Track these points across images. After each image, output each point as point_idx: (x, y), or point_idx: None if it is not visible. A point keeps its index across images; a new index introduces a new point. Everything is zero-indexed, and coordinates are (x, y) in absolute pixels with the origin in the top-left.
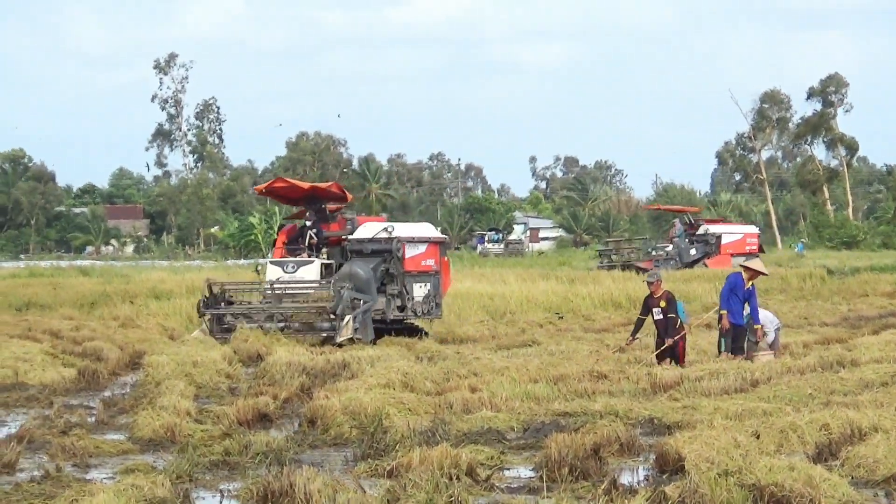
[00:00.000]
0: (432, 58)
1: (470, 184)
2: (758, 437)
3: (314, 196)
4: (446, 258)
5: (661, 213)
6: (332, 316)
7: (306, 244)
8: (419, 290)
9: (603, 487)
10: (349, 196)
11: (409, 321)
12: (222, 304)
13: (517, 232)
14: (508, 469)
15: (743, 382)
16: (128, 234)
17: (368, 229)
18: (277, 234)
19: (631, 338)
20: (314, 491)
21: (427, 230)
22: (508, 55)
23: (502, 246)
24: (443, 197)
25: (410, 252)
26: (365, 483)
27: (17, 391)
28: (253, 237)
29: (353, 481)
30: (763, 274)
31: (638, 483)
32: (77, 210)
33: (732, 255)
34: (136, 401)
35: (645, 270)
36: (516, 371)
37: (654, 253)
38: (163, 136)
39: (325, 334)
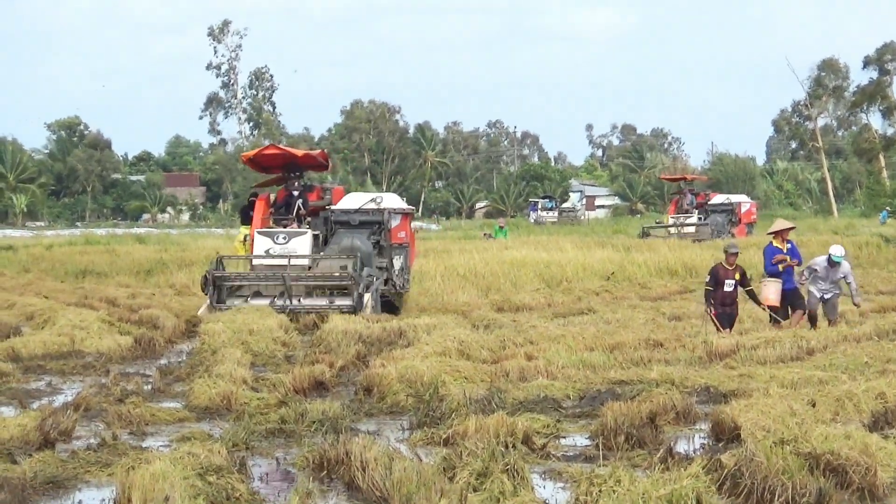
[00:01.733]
0: (487, 25)
1: (526, 151)
2: (813, 406)
3: (295, 164)
4: (413, 230)
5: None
6: (357, 294)
7: (294, 214)
8: (397, 263)
9: (659, 455)
10: (331, 165)
11: (388, 296)
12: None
13: (573, 200)
14: (564, 437)
15: (798, 351)
16: (184, 201)
17: (354, 199)
18: (251, 203)
19: (712, 309)
20: (370, 459)
21: (397, 201)
22: (564, 22)
23: (556, 214)
24: (499, 165)
25: (393, 224)
26: (421, 451)
27: (73, 359)
28: None
29: (410, 449)
30: (791, 228)
31: (694, 451)
32: (133, 178)
33: (747, 224)
34: (192, 369)
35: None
36: (572, 339)
37: (679, 226)
38: (216, 103)
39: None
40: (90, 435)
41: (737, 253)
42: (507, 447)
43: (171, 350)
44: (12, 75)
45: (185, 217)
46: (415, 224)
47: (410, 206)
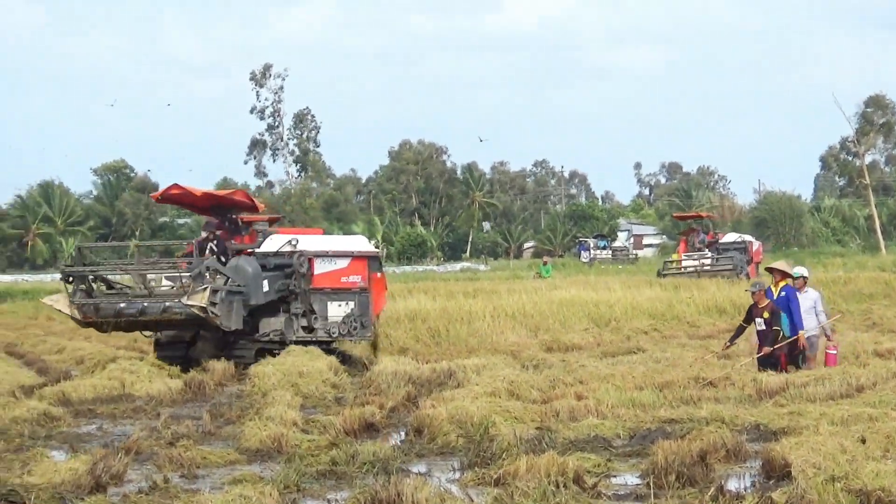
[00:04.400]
0: (528, 63)
1: (574, 191)
2: (864, 443)
3: (220, 205)
4: (379, 274)
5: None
6: (187, 281)
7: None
8: (337, 309)
9: (710, 494)
10: (259, 205)
11: (330, 343)
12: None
13: (621, 239)
14: (615, 476)
15: (848, 388)
16: None
17: (274, 242)
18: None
19: (728, 343)
20: (422, 500)
21: (353, 243)
22: (606, 60)
23: (609, 253)
24: (546, 204)
25: (323, 268)
26: (472, 492)
27: (124, 402)
28: None
29: (461, 490)
30: (788, 274)
31: (745, 489)
32: (181, 220)
33: (757, 263)
34: (243, 411)
35: None
36: (622, 378)
37: (699, 263)
38: (261, 146)
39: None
40: (141, 478)
41: (755, 292)
42: (557, 486)
43: (221, 393)
44: (58, 120)
45: None
46: (463, 265)
47: (373, 250)
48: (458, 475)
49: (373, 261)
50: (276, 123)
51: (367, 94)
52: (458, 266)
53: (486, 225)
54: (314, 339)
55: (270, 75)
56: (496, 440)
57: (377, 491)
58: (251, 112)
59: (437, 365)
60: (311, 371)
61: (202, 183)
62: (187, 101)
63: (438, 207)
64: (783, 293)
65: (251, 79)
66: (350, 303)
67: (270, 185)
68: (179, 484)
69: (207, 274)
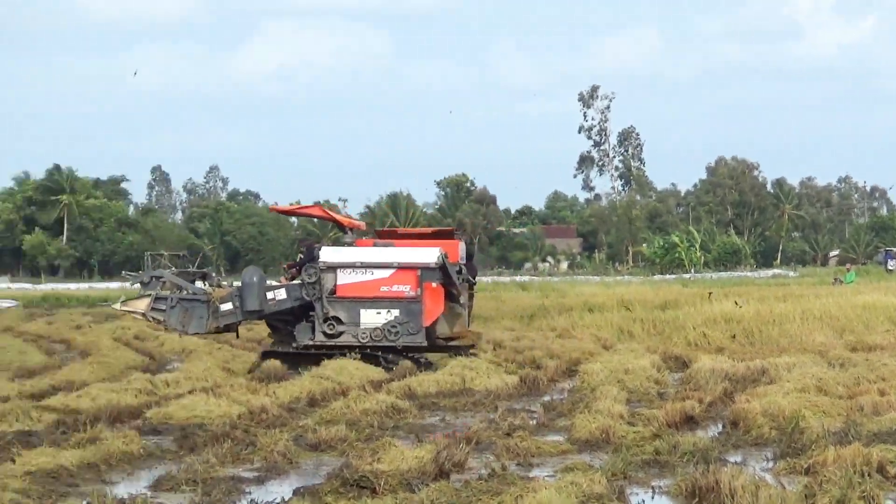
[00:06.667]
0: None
1: (875, 204)
2: None
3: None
4: (434, 284)
5: None
6: (138, 285)
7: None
8: (374, 317)
9: None
10: (341, 218)
11: (370, 348)
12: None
13: None
14: None
15: None
16: (562, 251)
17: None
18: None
19: None
20: (738, 487)
21: (403, 255)
22: None
23: None
24: (850, 216)
25: (351, 278)
26: (784, 480)
27: (464, 396)
28: (677, 255)
29: (774, 478)
30: None
31: None
32: (516, 230)
33: None
34: (573, 405)
35: None
36: None
37: None
38: (589, 161)
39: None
40: (481, 466)
41: None
42: (863, 476)
43: (554, 388)
44: (406, 136)
45: (564, 266)
46: (774, 271)
47: (428, 262)
48: (770, 465)
49: (429, 272)
50: (602, 141)
51: (685, 114)
52: (769, 272)
53: (795, 234)
54: (337, 344)
55: (597, 96)
56: (806, 432)
57: (697, 479)
58: (579, 131)
59: (751, 363)
60: (636, 368)
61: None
62: (520, 121)
63: (751, 218)
64: None
65: (579, 100)
66: (393, 311)
67: (598, 197)
68: (516, 471)
69: (157, 282)
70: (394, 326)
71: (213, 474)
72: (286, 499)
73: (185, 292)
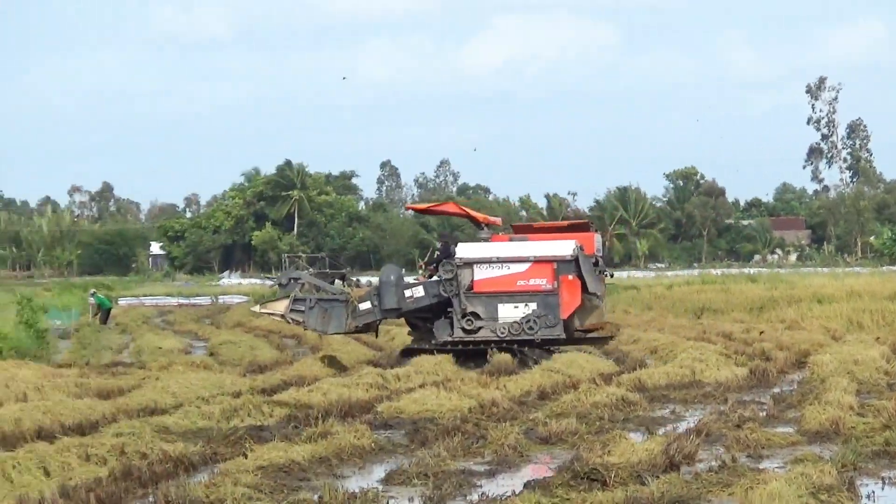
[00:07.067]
0: None
1: None
2: None
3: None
4: (571, 276)
5: None
6: (277, 286)
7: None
8: (512, 311)
9: None
10: (473, 214)
11: (510, 343)
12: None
13: None
14: None
15: None
16: (791, 243)
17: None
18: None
19: None
20: None
21: (539, 248)
22: None
23: None
24: None
25: (488, 273)
26: None
27: (694, 389)
28: None
29: None
30: None
31: None
32: (744, 222)
33: None
34: (803, 397)
35: None
36: None
37: None
38: (817, 153)
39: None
40: (711, 458)
41: None
42: None
43: (783, 380)
44: (634, 129)
45: (793, 258)
46: None
47: (564, 254)
48: None
49: (565, 264)
50: (831, 133)
51: None
52: None
53: None
54: (475, 339)
55: (825, 88)
56: None
57: None
58: (807, 123)
59: None
60: (866, 359)
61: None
62: (749, 113)
63: None
64: None
65: (807, 91)
66: (531, 304)
67: (826, 189)
68: (746, 463)
69: (295, 284)
70: (531, 320)
71: (444, 468)
72: (517, 492)
73: (324, 293)
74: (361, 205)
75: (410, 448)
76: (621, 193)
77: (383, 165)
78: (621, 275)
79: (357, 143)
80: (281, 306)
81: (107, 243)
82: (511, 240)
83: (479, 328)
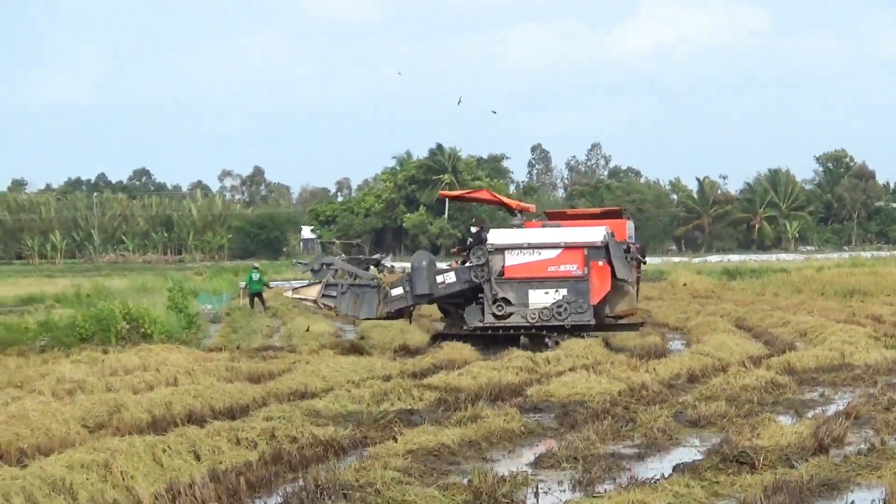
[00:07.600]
0: None
1: None
2: None
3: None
4: (601, 262)
5: None
6: (310, 272)
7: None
8: (542, 297)
9: None
10: (506, 201)
11: (538, 328)
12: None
13: None
14: None
15: None
16: None
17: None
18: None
19: None
20: None
21: (569, 234)
22: None
23: None
24: None
25: (519, 259)
26: None
27: (843, 371)
28: None
29: None
30: None
31: None
32: (895, 205)
33: None
34: None
35: None
36: None
37: None
38: None
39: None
40: (860, 441)
41: None
42: None
43: None
44: (785, 112)
45: None
46: None
47: (594, 240)
48: None
49: (595, 250)
50: None
51: None
52: None
53: None
54: (506, 325)
55: None
56: None
57: None
58: None
59: None
60: None
61: None
62: None
63: None
64: None
65: None
66: (561, 290)
67: None
68: (895, 446)
69: (328, 270)
70: (562, 306)
71: (594, 451)
72: (666, 475)
73: (357, 279)
74: (512, 188)
75: (560, 431)
76: (772, 176)
77: (534, 149)
78: (769, 258)
79: (508, 128)
80: (313, 291)
81: (258, 227)
82: (544, 226)
83: (510, 314)
